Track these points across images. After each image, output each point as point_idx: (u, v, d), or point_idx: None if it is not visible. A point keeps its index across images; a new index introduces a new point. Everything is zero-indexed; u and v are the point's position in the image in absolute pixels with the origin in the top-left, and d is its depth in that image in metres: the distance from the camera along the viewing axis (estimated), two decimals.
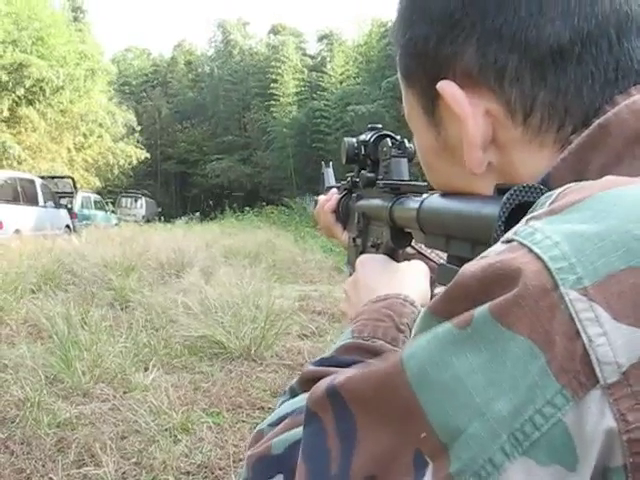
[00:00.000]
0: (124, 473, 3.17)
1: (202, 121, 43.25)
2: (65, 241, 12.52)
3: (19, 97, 24.36)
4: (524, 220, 0.42)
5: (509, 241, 0.40)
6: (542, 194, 0.45)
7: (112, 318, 6.22)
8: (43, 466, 3.21)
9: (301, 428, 0.53)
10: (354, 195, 1.09)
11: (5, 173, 15.97)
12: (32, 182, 16.14)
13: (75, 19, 33.27)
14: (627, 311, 0.34)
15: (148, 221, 27.73)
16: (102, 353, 4.70)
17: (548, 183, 0.49)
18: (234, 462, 3.31)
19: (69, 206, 18.76)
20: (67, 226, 17.63)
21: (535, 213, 0.41)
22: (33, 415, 3.68)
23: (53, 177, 20.81)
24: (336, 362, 0.67)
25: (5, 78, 23.24)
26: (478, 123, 0.54)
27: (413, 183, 0.84)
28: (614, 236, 0.36)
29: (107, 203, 27.62)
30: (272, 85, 35.07)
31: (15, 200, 14.66)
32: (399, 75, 0.65)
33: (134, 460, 3.29)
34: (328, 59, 36.57)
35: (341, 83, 32.25)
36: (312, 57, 40.61)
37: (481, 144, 0.55)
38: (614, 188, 0.40)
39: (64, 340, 4.79)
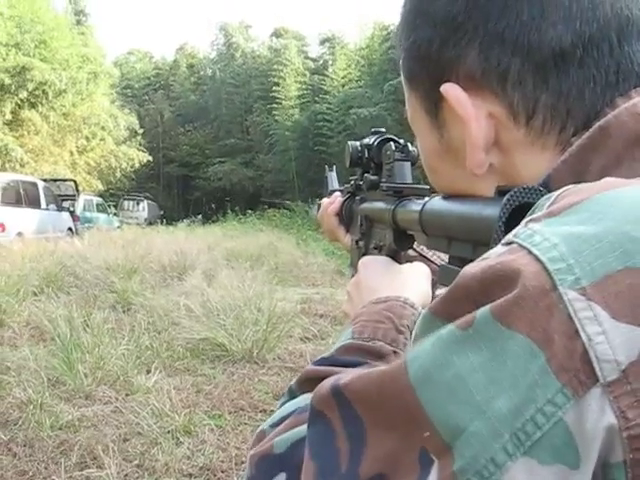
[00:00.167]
0: (126, 475, 3.18)
1: (204, 124, 43.22)
2: (67, 244, 12.55)
3: (22, 100, 24.36)
4: (524, 222, 0.42)
5: (509, 243, 0.41)
6: (542, 195, 0.46)
7: (114, 321, 6.24)
8: (45, 468, 3.22)
9: (303, 427, 0.54)
10: (357, 198, 1.09)
11: (8, 176, 16.01)
12: (34, 185, 16.15)
13: (78, 22, 33.28)
14: (625, 310, 0.35)
15: (150, 224, 27.74)
16: (104, 355, 4.71)
17: (548, 185, 0.50)
18: (236, 464, 3.32)
19: (71, 209, 18.73)
20: (69, 229, 17.63)
21: (534, 215, 0.42)
22: (35, 417, 3.69)
23: (55, 180, 20.82)
24: (336, 362, 0.68)
25: (8, 81, 23.24)
26: (481, 125, 0.55)
27: (416, 186, 0.85)
28: (611, 237, 0.37)
29: (109, 206, 27.66)
30: (274, 88, 35.05)
31: (17, 203, 14.68)
32: (402, 78, 0.66)
33: (136, 462, 3.29)
34: (330, 62, 36.61)
35: (343, 86, 32.22)
36: (314, 60, 40.57)
37: (484, 146, 0.55)
38: (611, 190, 0.40)
39: (66, 342, 4.80)
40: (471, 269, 0.41)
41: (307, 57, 40.75)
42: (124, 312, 6.92)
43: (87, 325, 5.57)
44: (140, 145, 35.97)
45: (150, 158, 34.82)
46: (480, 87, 0.55)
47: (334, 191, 1.28)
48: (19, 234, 13.66)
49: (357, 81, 31.81)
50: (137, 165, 33.67)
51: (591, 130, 0.51)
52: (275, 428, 0.63)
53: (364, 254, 1.00)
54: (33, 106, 25.33)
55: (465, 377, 0.37)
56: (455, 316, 0.39)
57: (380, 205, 0.92)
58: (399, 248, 0.90)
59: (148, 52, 52.88)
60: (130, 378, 4.45)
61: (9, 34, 23.59)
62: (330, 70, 34.53)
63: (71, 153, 29.15)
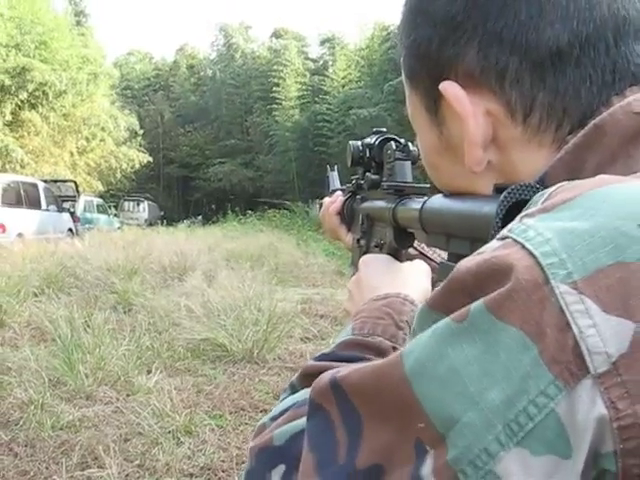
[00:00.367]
0: (127, 475, 3.18)
1: (204, 125, 43.22)
2: (68, 245, 12.56)
3: (22, 101, 24.37)
4: (518, 218, 0.43)
5: (504, 238, 0.42)
6: (537, 192, 0.47)
7: (115, 321, 6.24)
8: (47, 468, 3.22)
9: (302, 420, 0.55)
10: (358, 197, 1.11)
11: (8, 177, 16.02)
12: (35, 186, 16.15)
13: (78, 23, 33.25)
14: (616, 303, 0.36)
15: (150, 225, 27.76)
16: (105, 356, 4.71)
17: (545, 182, 0.51)
18: (237, 464, 3.33)
19: (72, 210, 18.73)
20: (70, 230, 17.63)
21: (528, 211, 0.43)
22: (36, 417, 3.70)
23: (56, 181, 20.81)
24: (336, 357, 0.68)
25: (8, 82, 23.26)
26: (479, 122, 0.56)
27: (416, 185, 0.86)
28: (602, 232, 0.37)
29: (109, 207, 27.66)
30: (274, 89, 35.05)
31: (18, 204, 14.68)
32: (403, 76, 0.67)
33: (137, 462, 3.30)
34: (330, 63, 36.61)
35: (343, 87, 32.22)
36: (314, 61, 40.56)
37: (482, 143, 0.56)
38: (604, 186, 0.41)
39: (67, 343, 4.81)
40: (466, 263, 0.42)
41: (307, 58, 40.73)
42: (125, 313, 6.93)
43: (88, 326, 5.57)
44: (140, 146, 35.97)
45: (150, 159, 34.82)
46: (478, 85, 0.56)
47: (335, 190, 1.29)
48: (19, 235, 13.66)
49: (357, 82, 31.81)
50: (137, 166, 33.67)
51: (586, 128, 0.52)
52: (275, 421, 0.63)
53: (365, 252, 1.01)
54: (33, 107, 25.34)
55: (459, 369, 0.38)
56: (451, 309, 0.40)
57: (381, 204, 0.93)
58: (400, 246, 0.91)
59: (148, 53, 52.94)
60: (131, 378, 4.46)
61: (9, 35, 23.59)
62: (330, 71, 34.54)
63: (71, 154, 29.14)
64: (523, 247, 0.39)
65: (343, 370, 0.47)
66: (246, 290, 7.05)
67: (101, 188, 31.61)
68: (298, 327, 6.20)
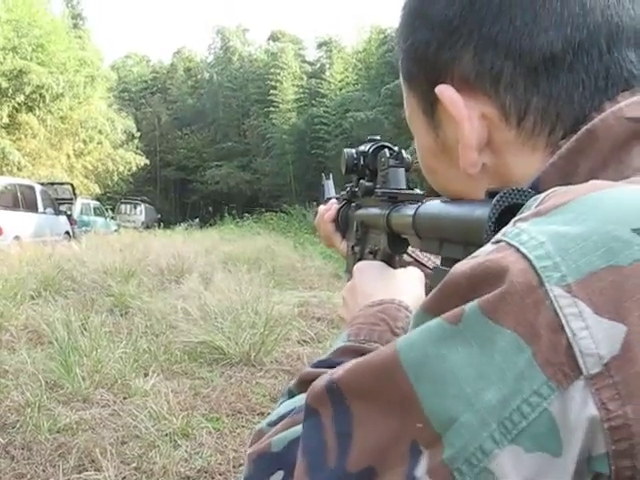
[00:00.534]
0: (124, 478, 3.18)
1: (201, 128, 43.16)
2: (65, 247, 12.54)
3: (19, 104, 24.34)
4: (512, 222, 0.44)
5: (498, 242, 0.42)
6: (530, 197, 0.47)
7: (112, 324, 6.24)
8: (43, 471, 3.22)
9: (299, 427, 0.55)
10: (353, 205, 1.12)
11: (5, 179, 15.96)
12: (32, 188, 16.12)
13: (75, 26, 33.23)
14: (608, 306, 0.37)
15: (147, 227, 27.69)
16: (102, 359, 4.71)
17: (538, 186, 0.52)
18: (234, 467, 3.33)
19: (68, 212, 18.68)
20: (66, 232, 17.60)
21: (522, 215, 0.44)
22: (33, 420, 3.70)
23: (53, 183, 20.73)
24: (333, 364, 0.68)
25: (5, 85, 23.23)
26: (474, 125, 0.57)
27: (410, 192, 0.87)
28: (595, 237, 0.38)
29: (106, 209, 27.60)
30: (271, 92, 35.03)
31: (15, 206, 14.64)
32: (401, 79, 0.68)
33: (134, 465, 3.29)
34: (327, 66, 36.56)
35: (340, 90, 32.22)
36: (311, 64, 40.52)
37: (476, 146, 0.57)
38: (596, 191, 0.42)
39: (64, 346, 4.80)
40: (461, 267, 0.42)
41: (304, 61, 40.69)
42: (122, 315, 6.92)
43: (85, 328, 5.57)
44: (137, 148, 35.93)
45: (147, 161, 34.75)
46: (474, 89, 0.57)
47: (330, 198, 1.30)
48: (16, 238, 13.63)
49: (354, 84, 31.83)
50: (134, 168, 33.60)
51: (579, 133, 0.53)
52: (273, 427, 0.64)
53: (360, 259, 1.02)
54: (30, 110, 25.31)
55: (455, 371, 0.38)
56: (445, 312, 0.41)
57: (375, 211, 0.94)
58: (394, 252, 0.91)
59: (145, 56, 52.87)
60: (128, 381, 4.46)
61: (6, 38, 23.56)
62: (327, 74, 34.50)
63: (68, 156, 29.11)
64: (517, 250, 0.40)
65: (339, 370, 0.47)
66: (243, 293, 7.05)
67: (98, 191, 31.56)
68: (295, 330, 6.20)
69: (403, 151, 0.92)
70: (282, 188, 33.85)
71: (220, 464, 3.36)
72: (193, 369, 4.99)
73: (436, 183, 0.69)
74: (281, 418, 0.65)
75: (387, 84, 25.49)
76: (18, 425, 3.69)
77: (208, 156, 41.07)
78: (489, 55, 0.56)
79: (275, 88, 35.08)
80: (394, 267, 0.93)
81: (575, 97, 0.55)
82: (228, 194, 38.14)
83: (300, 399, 0.65)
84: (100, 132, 30.34)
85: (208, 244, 14.89)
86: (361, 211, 1.04)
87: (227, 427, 3.87)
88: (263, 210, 30.06)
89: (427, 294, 0.90)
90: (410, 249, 0.93)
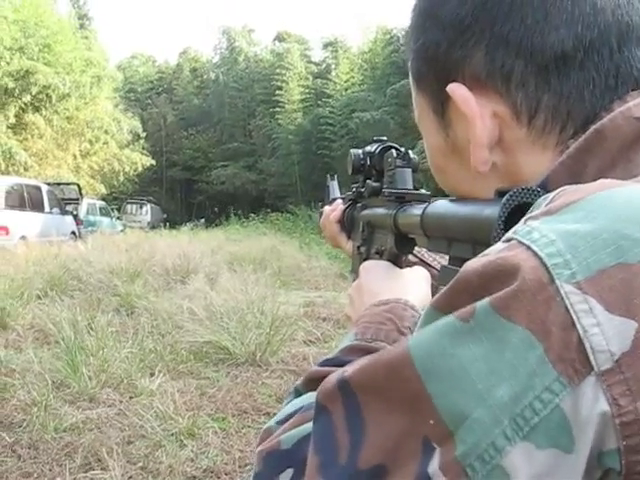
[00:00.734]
0: (130, 477, 3.18)
1: (207, 128, 43.21)
2: (71, 247, 12.58)
3: (25, 104, 24.39)
4: (523, 220, 0.44)
5: (509, 240, 0.43)
6: (539, 196, 0.48)
7: (118, 324, 6.26)
8: (50, 470, 3.22)
9: (308, 424, 0.55)
10: (359, 205, 1.11)
11: (12, 179, 16.03)
12: (38, 188, 16.18)
13: (81, 26, 33.26)
14: (618, 303, 0.37)
15: (153, 227, 27.78)
16: (108, 358, 4.72)
17: (547, 185, 0.52)
18: (240, 467, 3.33)
19: (75, 212, 18.76)
20: (73, 232, 17.67)
21: (533, 213, 0.44)
22: (40, 419, 3.70)
23: (59, 184, 20.82)
24: (340, 363, 0.68)
25: (12, 85, 23.27)
26: (485, 124, 0.57)
27: (417, 192, 0.87)
28: (605, 234, 0.39)
29: (112, 210, 27.66)
30: (277, 92, 35.06)
31: (21, 206, 14.71)
32: (411, 79, 0.68)
33: (140, 464, 3.30)
34: (333, 66, 36.55)
35: (346, 90, 32.20)
36: (317, 64, 40.50)
37: (487, 144, 0.58)
38: (605, 190, 0.42)
39: (70, 345, 4.81)
40: (472, 264, 0.43)
41: (310, 61, 40.67)
42: (128, 315, 6.93)
43: (91, 328, 5.58)
44: (143, 149, 35.98)
45: (153, 162, 34.80)
46: (485, 87, 0.57)
47: (335, 199, 1.30)
48: (23, 238, 13.68)
49: (360, 85, 31.80)
50: (140, 169, 33.65)
51: (587, 133, 0.53)
52: (281, 425, 0.64)
53: (366, 259, 1.02)
54: (37, 110, 25.37)
55: (467, 367, 0.39)
56: (456, 309, 0.41)
57: (382, 211, 0.94)
58: (400, 252, 0.91)
59: (151, 56, 52.99)
60: (134, 381, 4.46)
61: (13, 38, 23.61)
62: (333, 74, 34.51)
63: (74, 157, 29.17)
64: (529, 248, 0.40)
65: (350, 368, 0.47)
66: (249, 293, 7.05)
67: (104, 191, 31.62)
68: (301, 330, 6.19)
69: (410, 151, 0.92)
70: (288, 188, 33.86)
71: (226, 464, 3.37)
72: (199, 369, 4.99)
73: (445, 183, 0.69)
74: (289, 416, 0.65)
75: (393, 84, 25.45)
76: (25, 424, 3.71)
77: (214, 156, 41.14)
78: (500, 53, 0.56)
79: (281, 88, 35.10)
80: (400, 267, 0.93)
81: (586, 95, 0.55)
82: (234, 194, 38.16)
83: (308, 397, 0.65)
84: (106, 132, 30.41)
85: (214, 244, 14.91)
86: (367, 211, 1.04)
87: (233, 427, 3.87)
88: (269, 210, 30.10)
89: (433, 294, 0.90)
90: (415, 249, 0.93)
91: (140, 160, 33.28)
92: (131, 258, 10.40)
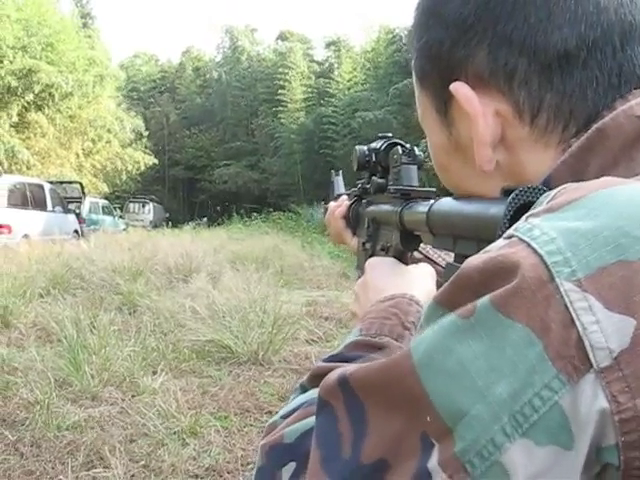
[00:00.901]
0: (133, 476, 3.19)
1: (210, 127, 43.23)
2: (73, 246, 12.60)
3: (28, 102, 24.41)
4: (524, 217, 0.45)
5: (509, 237, 0.43)
6: (544, 194, 0.48)
7: (120, 322, 6.26)
8: (52, 468, 3.23)
9: (311, 418, 0.56)
10: (364, 201, 1.11)
11: (14, 178, 16.06)
12: (41, 187, 16.19)
13: (84, 25, 33.31)
14: (618, 301, 0.37)
15: (156, 226, 27.82)
16: (111, 357, 4.73)
17: (549, 184, 0.52)
18: (242, 465, 3.33)
19: (77, 211, 18.76)
20: (75, 231, 17.67)
21: (534, 211, 0.44)
22: (42, 418, 3.71)
23: (62, 182, 20.84)
24: (344, 358, 0.69)
25: (15, 83, 23.29)
26: (488, 122, 0.57)
27: (422, 189, 0.87)
28: (605, 232, 0.39)
29: (115, 208, 27.70)
30: (280, 91, 35.05)
31: (24, 205, 14.72)
32: (414, 78, 0.68)
33: (143, 463, 3.31)
34: (336, 65, 36.53)
35: (349, 89, 32.18)
36: (320, 63, 40.50)
37: (490, 142, 0.58)
38: (607, 188, 0.43)
39: (73, 344, 4.82)
40: (473, 261, 0.43)
41: (312, 60, 40.67)
42: (130, 314, 6.94)
43: (93, 326, 5.59)
44: (146, 148, 35.99)
45: (156, 161, 34.85)
46: (488, 86, 0.58)
47: (341, 195, 1.30)
48: (25, 236, 13.69)
49: (362, 84, 31.77)
50: (143, 168, 33.67)
51: (589, 132, 0.53)
52: (285, 419, 0.64)
53: (371, 256, 1.02)
54: (39, 108, 25.40)
55: (467, 364, 0.39)
56: (457, 305, 0.42)
57: (387, 207, 0.94)
58: (406, 249, 0.92)
59: (154, 55, 53.03)
60: (136, 379, 4.47)
61: (16, 37, 23.65)
62: (335, 73, 34.47)
63: (77, 155, 29.21)
64: (529, 246, 0.40)
65: (351, 367, 0.48)
66: (251, 292, 7.06)
67: (106, 190, 31.67)
68: (303, 329, 6.20)
69: (415, 148, 0.92)
70: (290, 187, 33.86)
71: (228, 462, 3.37)
72: (201, 368, 5.00)
73: (448, 181, 0.69)
74: (294, 411, 0.65)
75: (395, 84, 25.44)
76: (27, 422, 3.71)
77: (216, 155, 41.16)
78: (503, 52, 0.56)
79: (283, 88, 35.10)
80: (406, 264, 0.93)
81: (589, 94, 0.55)
82: (236, 193, 38.18)
83: (312, 393, 0.66)
84: (109, 131, 30.43)
85: (216, 243, 14.92)
86: (373, 208, 1.04)
87: (235, 426, 3.88)
88: (271, 209, 30.08)
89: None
90: (420, 246, 0.93)
91: (142, 159, 33.31)
92: (133, 257, 10.41)
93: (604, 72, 0.55)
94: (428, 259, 0.99)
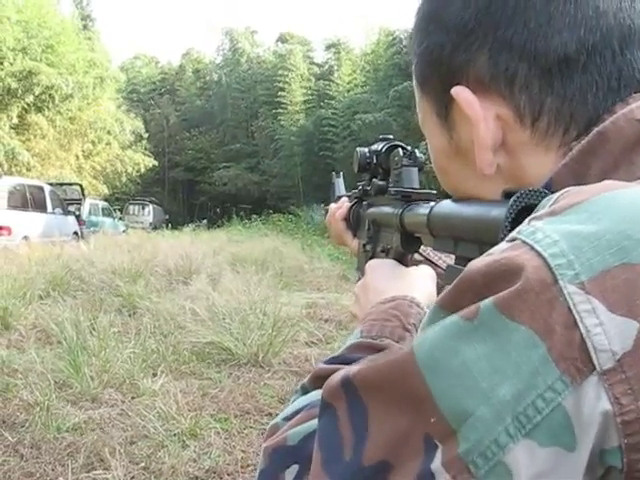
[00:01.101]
0: (133, 478, 3.19)
1: (210, 129, 43.26)
2: (73, 248, 12.60)
3: (28, 104, 24.40)
4: (526, 220, 0.45)
5: (512, 240, 0.43)
6: (546, 197, 0.48)
7: (120, 324, 6.27)
8: (52, 470, 3.23)
9: (314, 421, 0.55)
10: (365, 203, 1.12)
11: (14, 180, 16.02)
12: (41, 189, 16.19)
13: (84, 27, 33.32)
14: (621, 303, 0.37)
15: (155, 228, 27.80)
16: (110, 359, 4.72)
17: (551, 187, 0.53)
18: (242, 467, 3.33)
19: (77, 213, 18.77)
20: (75, 233, 17.67)
21: (536, 214, 0.45)
22: (42, 419, 3.71)
23: (62, 184, 20.84)
24: (345, 360, 0.69)
25: (15, 85, 23.28)
26: (489, 126, 0.58)
27: (423, 191, 0.87)
28: (608, 235, 0.39)
29: (115, 210, 27.70)
30: (280, 93, 35.09)
31: (24, 206, 14.71)
32: (414, 83, 0.69)
33: (143, 465, 3.30)
34: (335, 68, 36.50)
35: (348, 92, 32.19)
36: (319, 65, 40.50)
37: (491, 146, 0.58)
38: (610, 191, 0.43)
39: (73, 345, 4.82)
40: (477, 263, 0.43)
41: (312, 62, 40.68)
42: (130, 316, 6.93)
43: (93, 328, 5.59)
44: (145, 149, 36.02)
45: (155, 162, 34.88)
46: (488, 90, 0.58)
47: (341, 197, 1.30)
48: (25, 238, 13.68)
49: (362, 86, 31.79)
50: (142, 169, 33.70)
51: (590, 135, 0.54)
52: (288, 422, 0.64)
53: (371, 257, 1.02)
54: (40, 110, 25.39)
55: (471, 366, 0.39)
56: (460, 308, 0.42)
57: (388, 209, 0.94)
58: (406, 251, 0.92)
59: (154, 57, 53.10)
60: (136, 381, 4.47)
61: (16, 39, 23.64)
62: (335, 75, 34.47)
63: (77, 157, 29.22)
64: (532, 248, 0.41)
65: (354, 367, 0.48)
66: (251, 294, 7.06)
67: (106, 191, 31.67)
68: (303, 331, 6.20)
69: (416, 150, 0.92)
70: (290, 190, 33.87)
71: (228, 464, 3.37)
72: (201, 369, 5.00)
73: (448, 184, 0.69)
74: (296, 413, 0.65)
75: (395, 86, 25.43)
76: (27, 424, 3.71)
77: (216, 157, 41.20)
78: (504, 57, 0.56)
79: (283, 90, 35.13)
80: (406, 266, 0.94)
81: (589, 98, 0.55)
82: (236, 195, 38.19)
83: (315, 395, 0.66)
84: (109, 133, 30.44)
85: (216, 245, 14.92)
86: (373, 209, 1.04)
87: (235, 428, 3.87)
88: (271, 211, 30.14)
89: (438, 293, 0.90)
90: (421, 248, 0.93)
91: (142, 161, 33.34)
92: (133, 258, 10.40)
93: (604, 76, 0.55)
94: (428, 261, 1.00)
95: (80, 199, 20.13)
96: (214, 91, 44.81)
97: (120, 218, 28.07)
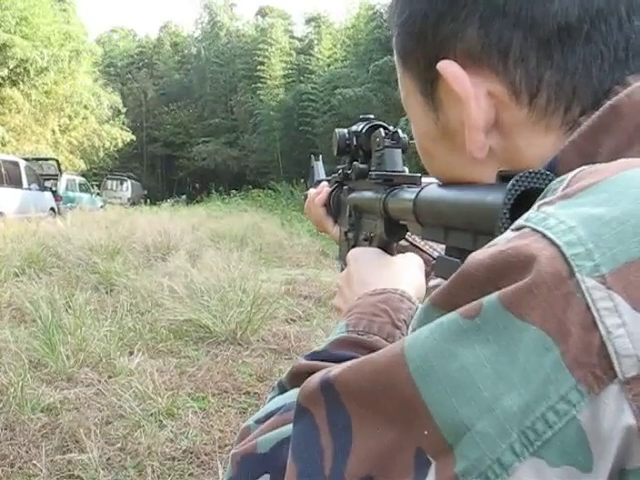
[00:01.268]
0: (109, 459, 3.15)
1: (188, 103, 43.08)
2: (50, 224, 12.48)
3: (2, 78, 24.12)
4: (535, 206, 0.39)
5: (520, 228, 0.38)
6: (549, 180, 0.43)
7: (97, 302, 6.21)
8: (26, 452, 3.18)
9: (288, 426, 0.51)
10: (345, 188, 1.07)
11: None
12: (16, 164, 16.03)
13: None
14: None
15: (134, 204, 27.71)
16: (86, 337, 4.68)
17: (556, 167, 0.47)
18: (219, 447, 3.30)
19: (54, 189, 18.64)
20: (52, 209, 17.56)
21: (547, 199, 0.39)
22: (16, 400, 3.66)
23: (37, 159, 20.69)
24: (329, 356, 0.65)
25: None
26: (480, 105, 0.51)
27: (407, 174, 0.82)
28: (633, 220, 0.34)
29: (92, 186, 27.56)
30: (259, 67, 34.94)
31: None
32: (396, 57, 0.62)
33: (119, 445, 3.27)
34: (316, 42, 36.37)
35: (329, 66, 32.17)
36: (300, 40, 40.33)
37: (483, 127, 0.52)
38: (630, 170, 0.37)
39: (48, 324, 4.77)
40: (478, 255, 0.38)
41: (292, 36, 40.52)
42: (107, 293, 6.88)
43: (69, 306, 5.55)
44: (123, 124, 35.82)
45: (133, 137, 34.76)
46: (479, 64, 0.52)
47: (321, 181, 1.26)
48: (0, 214, 13.54)
49: (342, 61, 31.79)
50: (120, 144, 33.57)
51: (601, 109, 0.48)
52: (260, 425, 0.60)
53: (354, 246, 0.97)
54: (14, 84, 25.08)
55: (471, 371, 0.34)
56: (458, 306, 0.37)
57: (370, 195, 0.89)
58: (390, 239, 0.86)
59: (131, 30, 52.60)
60: (112, 360, 4.43)
61: None
62: (315, 50, 34.38)
63: (53, 132, 28.95)
64: (544, 236, 0.35)
65: (335, 369, 0.42)
66: (230, 271, 7.03)
67: (84, 167, 31.50)
68: (282, 308, 6.19)
69: (399, 130, 0.86)
70: (269, 165, 33.85)
71: (206, 444, 3.34)
72: (179, 348, 4.96)
73: (432, 168, 0.63)
74: (269, 416, 0.61)
75: (376, 61, 25.39)
76: (1, 405, 3.65)
77: (195, 132, 41.08)
78: (496, 26, 0.50)
79: (263, 64, 34.97)
80: (391, 254, 0.88)
81: (593, 70, 0.49)
82: (215, 171, 38.09)
83: (291, 396, 0.61)
84: (85, 107, 30.21)
85: (195, 221, 14.86)
86: (355, 195, 0.99)
87: (213, 407, 3.84)
88: (250, 187, 30.06)
89: (426, 282, 0.85)
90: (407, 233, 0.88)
91: (120, 136, 33.17)
92: (111, 235, 10.33)
93: (610, 46, 0.49)
94: (415, 247, 0.94)
95: (57, 174, 19.99)
96: (193, 65, 44.56)
97: (98, 194, 27.94)
